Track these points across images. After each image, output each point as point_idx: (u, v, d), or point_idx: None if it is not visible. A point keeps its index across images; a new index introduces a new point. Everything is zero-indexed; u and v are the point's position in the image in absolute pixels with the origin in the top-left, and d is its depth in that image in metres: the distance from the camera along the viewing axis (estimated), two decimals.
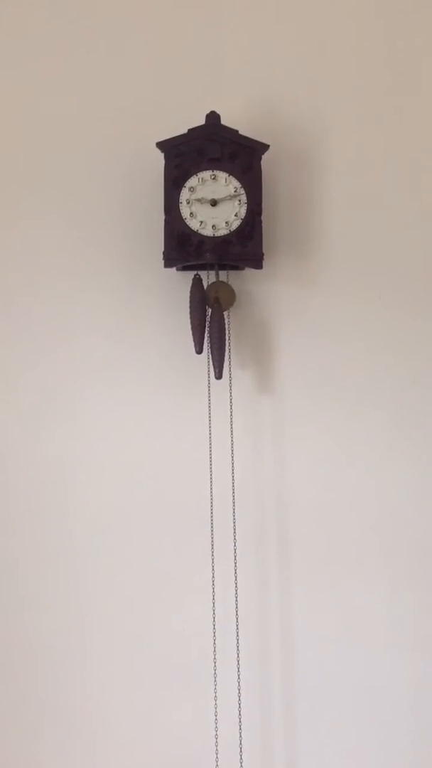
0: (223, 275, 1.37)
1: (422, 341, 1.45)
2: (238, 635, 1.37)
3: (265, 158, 1.34)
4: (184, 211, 1.32)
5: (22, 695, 1.41)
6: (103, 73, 1.44)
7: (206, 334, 1.33)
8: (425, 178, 1.46)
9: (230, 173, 1.32)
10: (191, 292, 1.34)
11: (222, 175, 1.32)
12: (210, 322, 1.33)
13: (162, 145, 1.32)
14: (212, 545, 1.37)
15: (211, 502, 1.37)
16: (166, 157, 1.32)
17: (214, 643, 1.37)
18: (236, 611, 1.37)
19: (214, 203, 1.32)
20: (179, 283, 1.40)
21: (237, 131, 1.32)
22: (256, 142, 1.33)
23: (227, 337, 1.33)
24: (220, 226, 1.32)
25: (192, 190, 1.32)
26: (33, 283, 1.43)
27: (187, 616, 1.41)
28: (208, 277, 1.35)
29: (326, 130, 1.45)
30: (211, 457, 1.37)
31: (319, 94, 1.45)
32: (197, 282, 1.34)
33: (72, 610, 1.41)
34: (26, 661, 1.41)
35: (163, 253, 1.33)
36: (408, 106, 1.46)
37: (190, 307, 1.33)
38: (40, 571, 1.41)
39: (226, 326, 1.33)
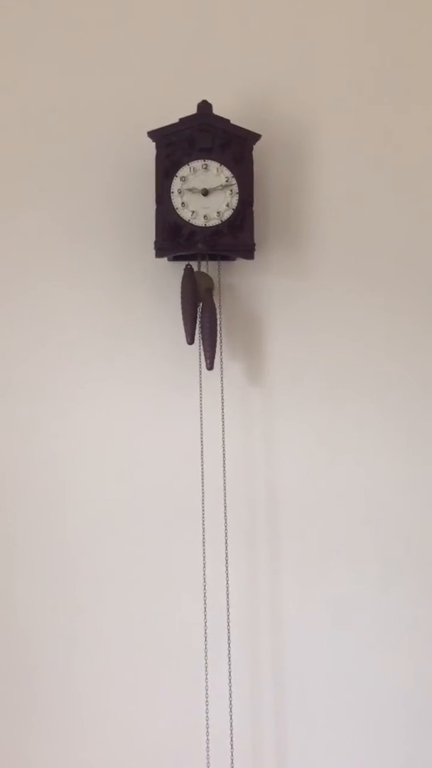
0: (214, 265, 1.36)
1: (414, 334, 1.45)
2: (229, 628, 1.36)
3: (257, 148, 1.34)
4: (176, 200, 1.31)
5: (13, 689, 1.40)
6: (93, 62, 1.43)
7: (198, 325, 1.33)
8: (419, 169, 1.46)
9: (222, 163, 1.31)
10: (182, 282, 1.33)
11: (213, 165, 1.31)
12: (201, 312, 1.33)
13: (153, 135, 1.31)
14: (203, 536, 1.36)
15: (203, 493, 1.36)
16: (157, 147, 1.32)
17: (205, 637, 1.37)
18: (227, 604, 1.36)
19: (205, 193, 1.31)
20: (170, 274, 1.40)
21: (228, 121, 1.32)
22: (248, 131, 1.32)
23: (218, 328, 1.33)
24: (211, 216, 1.31)
25: (183, 179, 1.31)
26: (22, 275, 1.42)
27: (179, 608, 1.40)
28: (198, 267, 1.35)
29: (319, 120, 1.44)
30: (202, 447, 1.37)
31: (311, 84, 1.45)
32: (189, 272, 1.33)
33: (64, 605, 1.40)
34: (17, 656, 1.41)
35: (155, 243, 1.32)
36: (402, 96, 1.46)
37: (182, 297, 1.33)
38: (34, 567, 1.40)
39: (218, 317, 1.33)
